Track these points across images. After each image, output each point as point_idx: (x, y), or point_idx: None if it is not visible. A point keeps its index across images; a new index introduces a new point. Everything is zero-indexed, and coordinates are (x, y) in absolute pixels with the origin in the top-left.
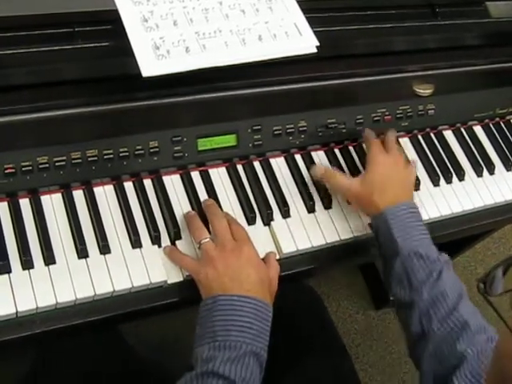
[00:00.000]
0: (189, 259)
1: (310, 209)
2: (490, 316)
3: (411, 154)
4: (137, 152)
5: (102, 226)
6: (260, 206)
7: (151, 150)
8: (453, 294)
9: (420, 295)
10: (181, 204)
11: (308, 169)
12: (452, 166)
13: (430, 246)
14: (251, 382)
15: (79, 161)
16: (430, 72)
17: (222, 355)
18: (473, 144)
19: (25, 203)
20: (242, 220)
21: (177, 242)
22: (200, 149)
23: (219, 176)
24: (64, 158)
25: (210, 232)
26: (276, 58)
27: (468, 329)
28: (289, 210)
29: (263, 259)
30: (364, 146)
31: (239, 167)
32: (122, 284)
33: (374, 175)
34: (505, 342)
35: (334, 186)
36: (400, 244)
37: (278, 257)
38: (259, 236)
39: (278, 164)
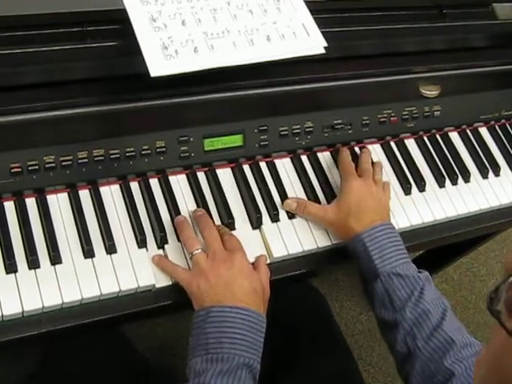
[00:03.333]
0: (180, 270)
1: None
2: None
3: (417, 155)
4: (143, 152)
5: (109, 226)
6: (267, 205)
7: (158, 150)
8: (436, 311)
9: (403, 315)
10: (187, 204)
11: (314, 169)
12: (457, 168)
13: (409, 264)
14: None
15: (85, 160)
16: (436, 73)
17: (214, 368)
18: (478, 145)
19: (31, 202)
20: (247, 221)
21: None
22: (206, 149)
23: (225, 176)
24: (70, 157)
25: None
26: (284, 59)
27: (454, 345)
28: None
29: (253, 264)
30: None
31: (245, 167)
32: (128, 284)
33: (348, 200)
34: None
35: (308, 216)
36: (379, 266)
37: (269, 259)
38: (265, 237)
39: (284, 165)
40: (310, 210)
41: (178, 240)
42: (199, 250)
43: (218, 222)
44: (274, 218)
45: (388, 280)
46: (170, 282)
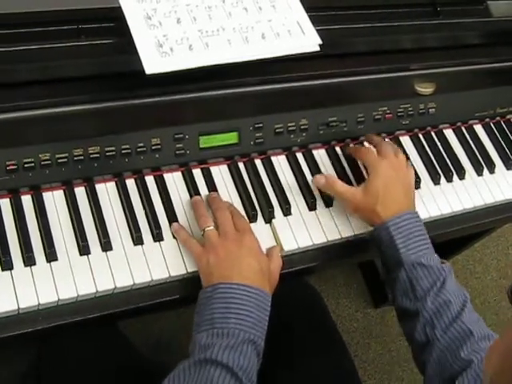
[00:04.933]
0: (194, 242)
1: (312, 206)
2: None
3: (412, 152)
4: (139, 149)
5: (104, 223)
6: (261, 203)
7: (153, 147)
8: (456, 302)
9: (424, 304)
10: (182, 201)
11: (309, 167)
12: (453, 165)
13: (433, 255)
14: (248, 369)
15: (81, 158)
16: (431, 71)
17: (220, 342)
18: (473, 143)
19: (27, 200)
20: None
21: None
22: (202, 146)
23: (221, 173)
24: (66, 154)
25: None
26: (279, 56)
27: (471, 337)
28: (290, 207)
29: (266, 253)
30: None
31: (241, 165)
32: (124, 281)
33: (376, 184)
34: None
35: (336, 194)
36: (403, 255)
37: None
38: (260, 233)
39: (280, 162)
40: (338, 189)
41: (174, 237)
42: (211, 227)
43: None
44: (270, 216)
45: (412, 269)
46: (165, 278)
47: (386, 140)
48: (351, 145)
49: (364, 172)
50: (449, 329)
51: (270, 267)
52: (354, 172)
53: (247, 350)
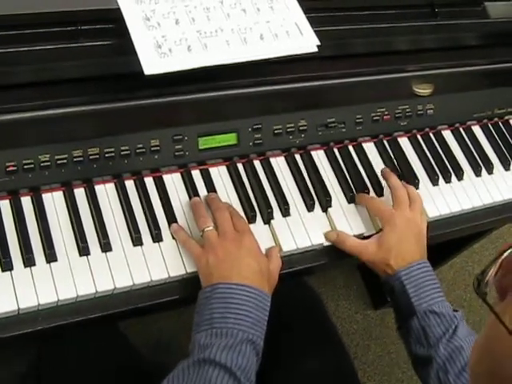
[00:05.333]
0: (193, 243)
1: (310, 207)
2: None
3: (410, 153)
4: (138, 150)
5: (104, 224)
6: (260, 204)
7: (152, 149)
8: (468, 347)
9: (437, 350)
10: (181, 202)
11: (307, 168)
12: (451, 166)
13: (445, 302)
14: (247, 369)
15: (81, 159)
16: (429, 72)
17: (218, 342)
18: (471, 144)
19: (26, 201)
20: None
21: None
22: (201, 147)
23: (220, 175)
24: (66, 156)
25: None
26: (277, 57)
27: None
28: (289, 208)
29: (266, 254)
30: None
31: (239, 166)
32: (123, 281)
33: (389, 239)
34: (501, 342)
35: (348, 250)
36: (415, 304)
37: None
38: (259, 234)
39: (278, 163)
40: (351, 244)
41: (173, 238)
42: (210, 228)
43: None
44: (268, 216)
45: (424, 317)
46: (164, 279)
47: (402, 183)
48: (363, 197)
49: (363, 173)
50: (462, 374)
51: (269, 268)
52: (352, 173)
53: (246, 349)
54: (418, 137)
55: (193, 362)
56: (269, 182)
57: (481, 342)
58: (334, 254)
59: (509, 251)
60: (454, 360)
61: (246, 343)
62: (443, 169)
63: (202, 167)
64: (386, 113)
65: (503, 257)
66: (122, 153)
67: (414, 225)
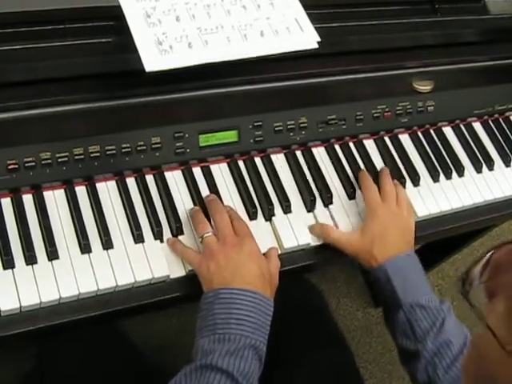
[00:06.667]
0: (191, 252)
1: (311, 204)
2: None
3: (411, 150)
4: (139, 148)
5: (105, 222)
6: (261, 201)
7: (153, 146)
8: (457, 341)
9: (424, 345)
10: (183, 199)
11: (308, 165)
12: (451, 162)
13: (431, 295)
14: (249, 375)
15: (82, 157)
16: (429, 68)
17: (221, 348)
18: (472, 140)
19: (28, 199)
20: (243, 215)
21: (179, 237)
22: (202, 145)
23: (221, 172)
24: (67, 153)
25: (212, 227)
26: (277, 54)
27: None
28: (290, 205)
29: (264, 254)
30: (361, 184)
31: (240, 163)
32: (125, 279)
33: (371, 228)
34: (486, 344)
35: (332, 242)
36: (401, 296)
37: (279, 252)
38: (261, 231)
39: (279, 160)
40: (334, 236)
41: (175, 236)
42: (210, 234)
43: None
44: (270, 213)
45: (411, 311)
46: (169, 277)
47: (393, 182)
48: (364, 175)
49: (364, 170)
50: (450, 368)
51: (270, 270)
52: (353, 170)
53: (248, 355)
54: (419, 133)
55: (195, 367)
56: (270, 178)
57: (473, 341)
58: (334, 250)
59: (491, 253)
60: (442, 355)
61: (249, 348)
62: (444, 165)
63: (202, 164)
64: (387, 109)
65: (487, 257)
66: (123, 150)
67: (400, 219)
